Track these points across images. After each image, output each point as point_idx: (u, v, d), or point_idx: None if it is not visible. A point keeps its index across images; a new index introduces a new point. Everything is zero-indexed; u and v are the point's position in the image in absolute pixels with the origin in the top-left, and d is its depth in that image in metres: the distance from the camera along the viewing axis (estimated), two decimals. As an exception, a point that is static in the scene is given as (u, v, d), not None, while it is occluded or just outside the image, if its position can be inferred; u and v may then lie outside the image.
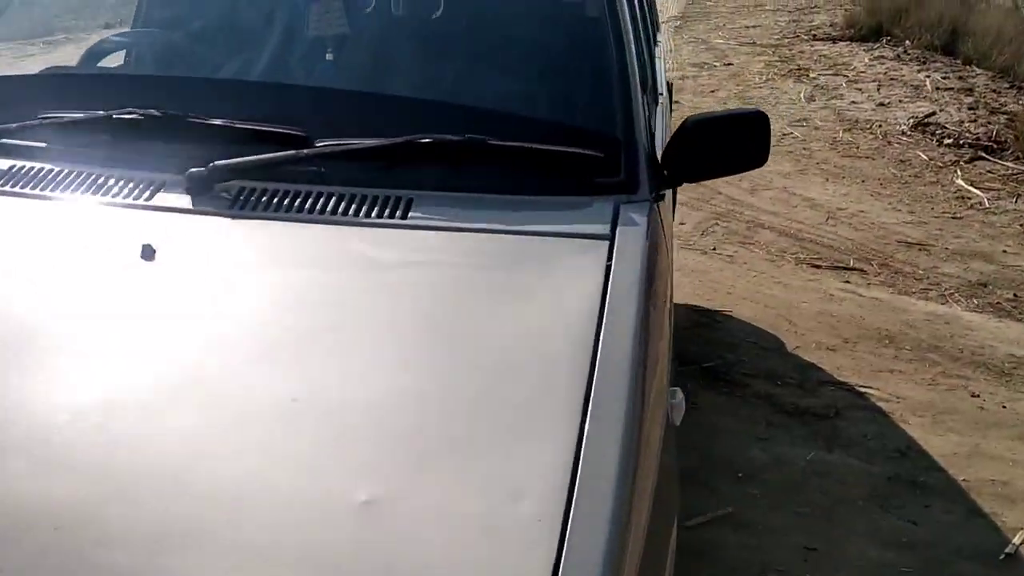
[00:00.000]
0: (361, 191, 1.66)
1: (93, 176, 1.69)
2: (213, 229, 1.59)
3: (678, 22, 12.51)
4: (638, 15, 2.06)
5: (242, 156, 1.67)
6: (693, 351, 3.79)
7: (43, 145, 1.76)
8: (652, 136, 1.87)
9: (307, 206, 1.63)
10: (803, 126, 7.22)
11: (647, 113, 1.89)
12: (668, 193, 2.04)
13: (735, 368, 3.68)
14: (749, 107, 1.99)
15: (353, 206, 1.63)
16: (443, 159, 1.71)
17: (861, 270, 4.67)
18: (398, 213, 1.62)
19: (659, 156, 1.89)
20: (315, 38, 2.14)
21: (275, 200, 1.64)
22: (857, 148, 6.67)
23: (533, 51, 2.04)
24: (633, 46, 1.94)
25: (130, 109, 1.74)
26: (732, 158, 1.93)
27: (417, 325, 1.40)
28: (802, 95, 8.15)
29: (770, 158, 1.97)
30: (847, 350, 3.86)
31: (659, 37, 3.82)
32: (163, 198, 1.65)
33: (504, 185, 1.70)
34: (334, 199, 1.64)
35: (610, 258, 1.56)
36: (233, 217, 1.61)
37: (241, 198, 1.64)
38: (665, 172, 1.88)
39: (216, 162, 1.65)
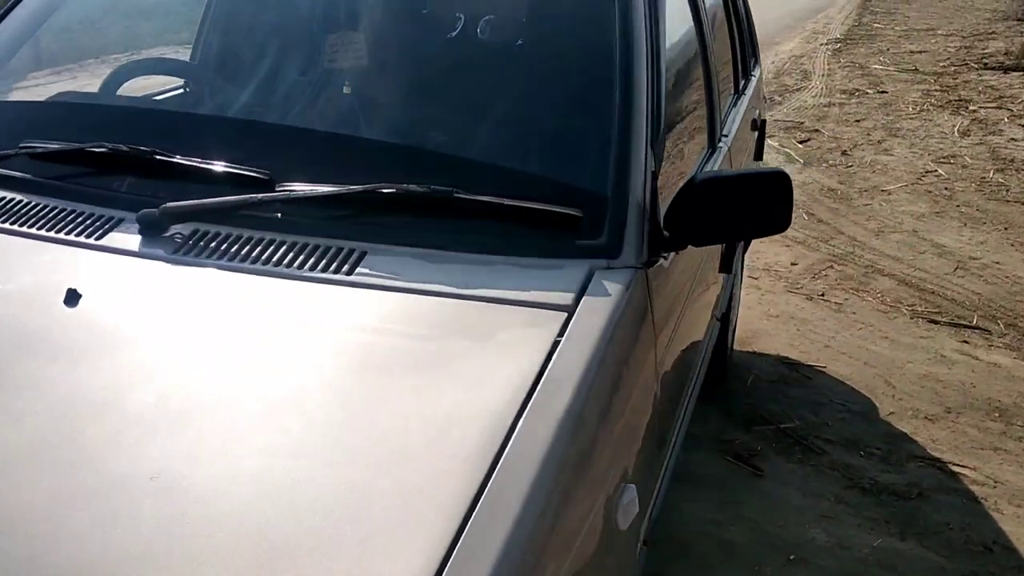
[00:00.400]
0: (314, 241, 1.55)
1: (56, 210, 1.65)
2: (148, 275, 1.51)
3: (837, 45, 11.99)
4: (662, 53, 1.86)
5: (207, 196, 1.60)
6: (772, 409, 3.51)
7: (18, 175, 1.73)
8: (655, 193, 1.68)
9: (254, 254, 1.53)
10: (950, 163, 6.71)
11: (651, 166, 1.69)
12: (683, 255, 1.85)
13: (815, 432, 3.39)
14: (769, 166, 1.77)
15: (300, 257, 1.52)
16: (406, 211, 1.59)
17: (984, 330, 4.25)
18: (344, 268, 1.50)
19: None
20: (328, 71, 2.05)
21: (224, 246, 1.55)
22: (1007, 191, 6.14)
23: (520, 94, 1.88)
24: (644, 88, 1.75)
25: (99, 143, 1.69)
26: (747, 221, 1.73)
27: (321, 398, 1.28)
28: (956, 129, 7.60)
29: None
30: (948, 421, 3.50)
31: (754, 71, 3.56)
32: (113, 237, 1.59)
33: (468, 243, 1.56)
34: (283, 248, 1.54)
35: (562, 333, 1.39)
36: (173, 263, 1.52)
37: (191, 242, 1.56)
38: (667, 234, 1.69)
39: (168, 204, 1.57)
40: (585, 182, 1.68)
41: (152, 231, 1.57)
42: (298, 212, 1.59)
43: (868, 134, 7.60)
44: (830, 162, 6.84)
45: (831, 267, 4.94)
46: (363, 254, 1.53)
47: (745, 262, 4.86)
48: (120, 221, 1.61)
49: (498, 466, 1.15)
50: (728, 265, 2.63)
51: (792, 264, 4.98)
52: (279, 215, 1.59)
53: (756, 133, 3.33)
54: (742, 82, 3.29)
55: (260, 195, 1.58)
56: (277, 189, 1.61)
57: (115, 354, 1.34)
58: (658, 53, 1.84)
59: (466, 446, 1.18)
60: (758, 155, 3.47)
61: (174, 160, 1.65)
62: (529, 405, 1.25)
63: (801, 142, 7.38)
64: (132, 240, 1.57)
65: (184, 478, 1.13)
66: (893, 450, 3.30)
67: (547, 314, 1.43)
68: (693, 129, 2.33)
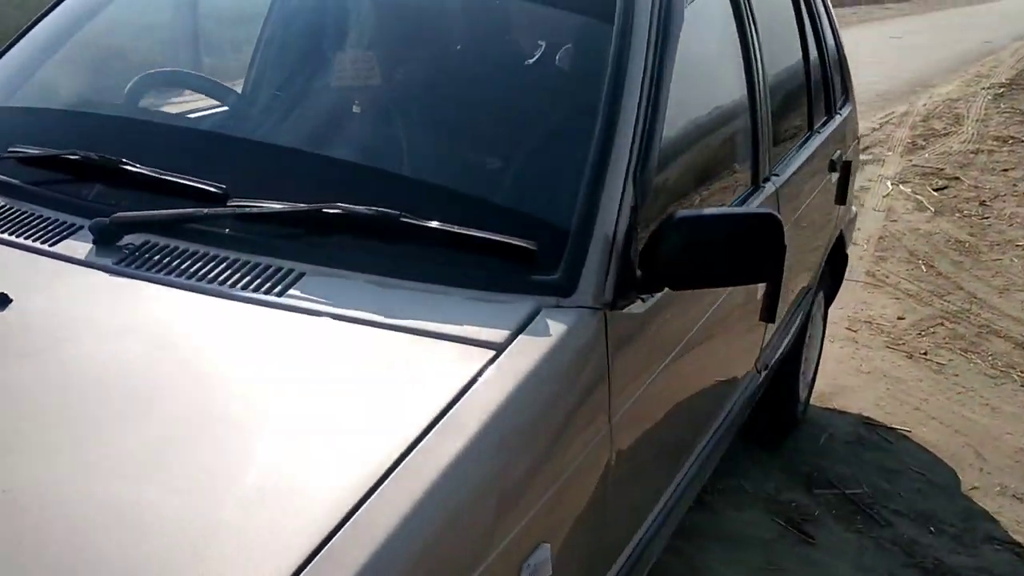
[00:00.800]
0: (255, 259, 1.50)
1: (25, 214, 1.66)
2: (84, 285, 1.49)
3: (1000, 89, 11.32)
4: (665, 84, 1.72)
5: (164, 207, 1.58)
6: (840, 472, 3.26)
7: (3, 179, 1.76)
8: (632, 229, 1.56)
9: (191, 269, 1.49)
10: (1101, 222, 6.17)
11: (630, 200, 1.56)
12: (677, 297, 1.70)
13: (883, 501, 3.12)
14: (759, 208, 1.61)
15: (236, 275, 1.48)
16: (352, 233, 1.52)
17: (1104, 406, 3.85)
18: (276, 289, 1.44)
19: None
20: (338, 89, 2.01)
21: (166, 260, 1.52)
22: None
23: (489, 119, 1.78)
24: (632, 119, 1.62)
25: (72, 151, 1.70)
26: (731, 267, 1.58)
27: (198, 422, 1.22)
28: (1116, 185, 7.01)
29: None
30: (1040, 503, 3.16)
31: (841, 108, 3.34)
32: (67, 245, 1.58)
33: (411, 271, 1.48)
34: (222, 265, 1.50)
35: (482, 372, 1.29)
36: (111, 274, 1.50)
37: (136, 254, 1.54)
38: (639, 274, 1.56)
39: (117, 214, 1.56)
40: (546, 213, 1.57)
41: (104, 240, 1.55)
42: (245, 229, 1.55)
43: (1014, 185, 7.10)
44: (964, 212, 6.41)
45: (941, 324, 4.59)
46: (300, 275, 1.47)
47: (842, 314, 4.60)
48: (79, 229, 1.61)
49: (341, 528, 1.06)
50: (770, 314, 2.44)
51: (899, 318, 4.66)
52: (227, 231, 1.55)
53: (835, 175, 3.11)
54: (823, 119, 3.09)
55: (205, 209, 1.55)
56: (228, 204, 1.57)
57: (8, 362, 1.32)
58: (658, 84, 1.70)
59: (338, 483, 1.11)
60: (840, 199, 3.24)
61: (137, 170, 1.64)
62: (412, 452, 1.16)
63: (937, 189, 6.96)
64: (83, 248, 1.56)
65: (28, 496, 1.09)
66: (968, 529, 3.00)
67: (473, 351, 1.34)
68: (723, 165, 2.18)
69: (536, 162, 1.66)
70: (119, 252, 1.54)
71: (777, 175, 2.44)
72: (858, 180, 7.38)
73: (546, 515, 1.32)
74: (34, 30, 2.08)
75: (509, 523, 1.24)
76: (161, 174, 1.63)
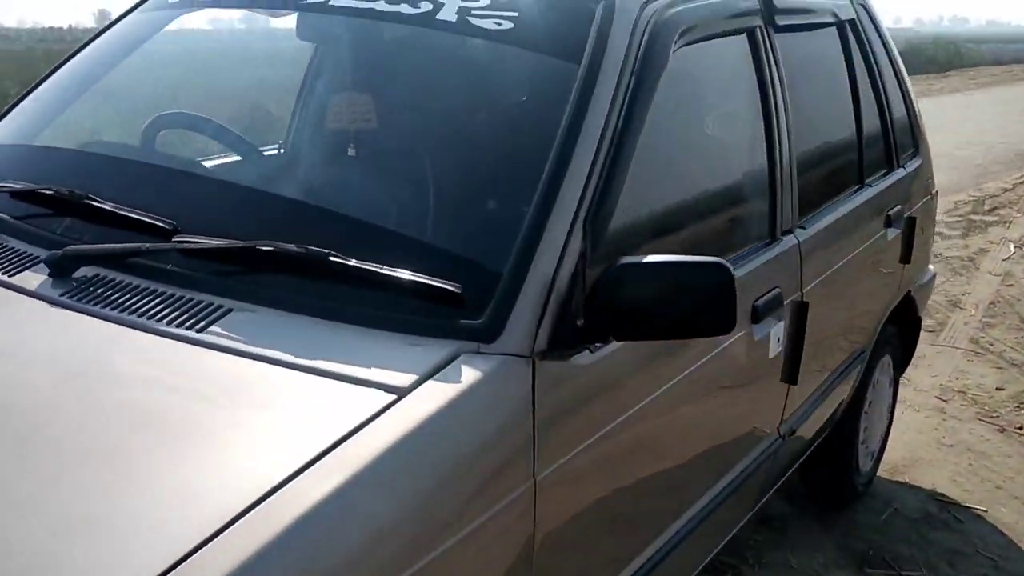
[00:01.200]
0: (190, 294, 1.51)
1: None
2: (23, 314, 1.53)
3: None
4: (633, 130, 1.65)
5: (118, 241, 1.61)
6: (898, 552, 3.02)
7: None
8: (576, 277, 1.48)
9: (127, 303, 1.50)
10: None
11: (577, 246, 1.50)
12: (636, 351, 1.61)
13: (941, 586, 2.87)
14: (708, 257, 1.51)
15: (167, 310, 1.48)
16: (282, 271, 1.51)
17: None
18: (199, 325, 1.44)
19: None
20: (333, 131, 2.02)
21: (107, 293, 1.53)
22: None
23: (433, 161, 1.73)
24: (587, 163, 1.56)
25: (47, 185, 1.75)
26: (677, 318, 1.48)
27: (66, 461, 1.21)
28: None
29: None
30: (1126, 600, 2.85)
31: (906, 163, 3.14)
32: (24, 276, 1.62)
33: (336, 311, 1.45)
34: (157, 300, 1.50)
35: (375, 417, 1.25)
36: (53, 304, 1.52)
37: (84, 286, 1.56)
38: (580, 323, 1.48)
39: (69, 247, 1.59)
40: (478, 256, 1.52)
41: (58, 273, 1.58)
42: (184, 264, 1.56)
43: None
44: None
45: (1046, 396, 4.25)
46: (228, 312, 1.46)
47: (934, 381, 4.32)
48: (39, 261, 1.65)
49: (190, 559, 1.03)
50: (792, 376, 2.31)
51: (997, 389, 4.34)
52: (169, 266, 1.56)
53: (895, 231, 2.92)
54: (880, 172, 2.92)
55: (147, 244, 1.57)
56: (173, 240, 1.58)
57: None
58: (627, 130, 1.64)
59: (185, 522, 1.08)
60: (904, 257, 3.05)
61: (99, 205, 1.67)
62: (286, 486, 1.13)
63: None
64: (37, 279, 1.59)
65: None
66: (1034, 623, 2.73)
67: (373, 394, 1.29)
68: (729, 217, 2.07)
69: (476, 205, 1.62)
70: (70, 284, 1.57)
71: (803, 228, 2.31)
72: (978, 242, 7.03)
73: (438, 566, 1.25)
74: (48, 81, 2.17)
75: (383, 570, 1.18)
76: (119, 209, 1.66)
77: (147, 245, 1.57)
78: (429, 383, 1.32)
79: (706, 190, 2.01)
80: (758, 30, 2.21)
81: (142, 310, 1.48)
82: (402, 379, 1.31)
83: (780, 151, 2.22)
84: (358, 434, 1.22)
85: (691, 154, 1.99)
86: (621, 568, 1.74)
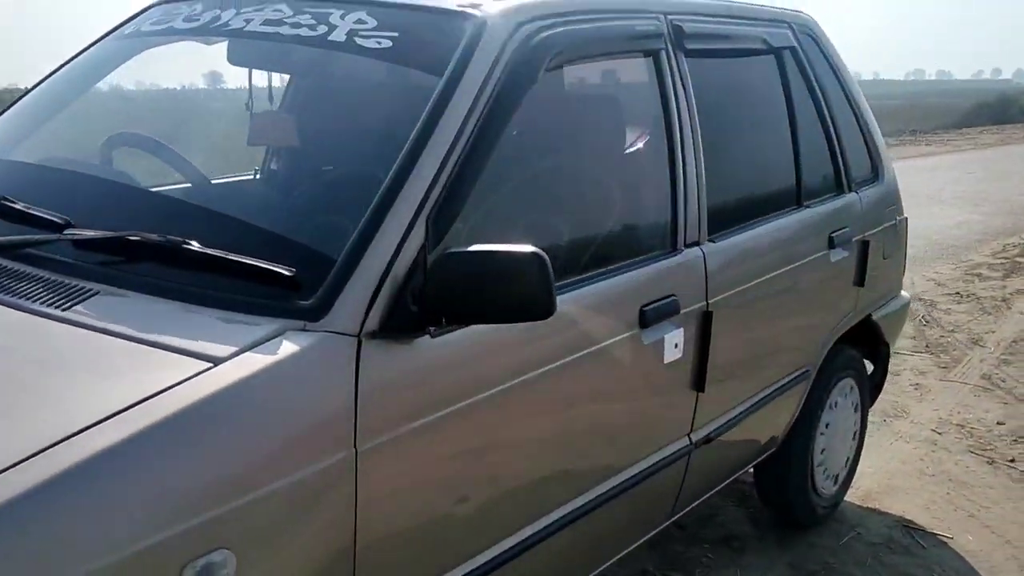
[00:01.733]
0: (69, 279, 1.68)
1: None
2: None
3: None
4: (496, 136, 1.79)
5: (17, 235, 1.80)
6: (852, 574, 3.02)
7: None
8: (416, 266, 1.62)
9: (17, 287, 1.68)
10: None
11: (420, 239, 1.63)
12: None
13: (887, 607, 2.87)
14: (524, 246, 1.63)
15: (46, 292, 1.65)
16: (147, 258, 1.69)
17: None
18: (65, 305, 1.61)
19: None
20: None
21: (2, 279, 1.72)
22: None
23: (297, 156, 1.89)
24: (437, 162, 1.70)
25: None
26: (502, 304, 1.61)
27: None
28: None
29: None
30: (1078, 627, 2.80)
31: (860, 188, 3.18)
32: None
33: (187, 293, 1.61)
34: (40, 284, 1.68)
35: (187, 380, 1.40)
36: None
37: None
38: (414, 309, 1.61)
39: None
40: (318, 244, 1.67)
41: None
42: (71, 254, 1.74)
43: None
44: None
45: (1047, 431, 4.18)
46: (95, 294, 1.64)
47: (933, 415, 4.29)
48: None
49: None
50: (699, 383, 2.38)
51: (998, 423, 4.28)
52: (57, 256, 1.75)
53: (845, 254, 2.97)
54: (828, 195, 2.98)
55: (36, 236, 1.76)
56: (64, 234, 1.76)
57: None
58: (484, 136, 1.77)
59: None
60: (858, 280, 3.09)
61: (11, 205, 1.87)
62: (78, 435, 1.28)
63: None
64: None
65: None
66: (976, 646, 2.71)
67: (191, 362, 1.44)
68: (617, 228, 2.18)
69: (325, 201, 1.77)
70: None
71: (713, 242, 2.40)
72: (1018, 283, 6.90)
73: (232, 523, 1.37)
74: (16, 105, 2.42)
75: (169, 518, 1.31)
76: (27, 208, 1.85)
77: (36, 237, 1.76)
78: (248, 354, 1.47)
79: (589, 199, 2.12)
80: (663, 53, 2.32)
81: (22, 292, 1.66)
82: (222, 350, 1.46)
83: (684, 168, 2.32)
84: (166, 393, 1.37)
85: (572, 166, 2.11)
86: (460, 561, 1.81)
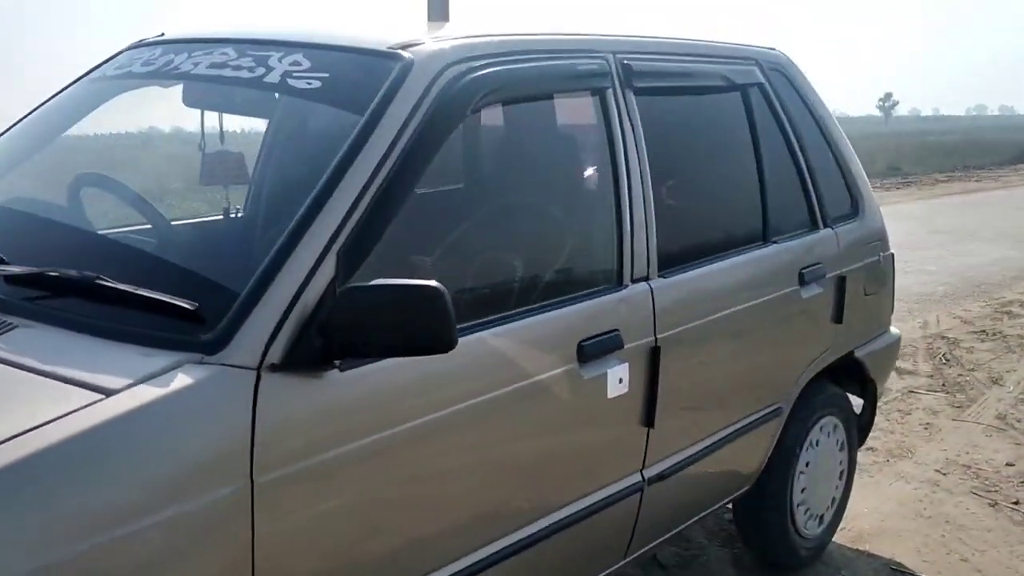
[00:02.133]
0: None
1: None
2: None
3: None
4: (411, 173, 1.82)
5: None
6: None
7: None
8: (323, 301, 1.65)
9: None
10: None
11: (329, 273, 1.66)
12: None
13: (863, 651, 2.79)
14: (424, 281, 1.64)
15: None
16: (64, 293, 1.75)
17: None
18: None
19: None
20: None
21: None
22: None
23: (223, 195, 1.94)
24: (349, 198, 1.73)
25: None
26: (404, 337, 1.63)
27: None
28: None
29: None
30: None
31: (836, 223, 3.13)
32: None
33: (97, 326, 1.66)
34: None
35: (76, 411, 1.43)
36: None
37: None
38: (318, 343, 1.64)
39: None
40: (222, 277, 1.72)
41: None
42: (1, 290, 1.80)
43: None
44: None
45: (1057, 473, 4.06)
46: (11, 328, 1.69)
47: (940, 455, 4.20)
48: None
49: None
50: (649, 419, 2.37)
51: (1007, 464, 4.17)
52: None
53: (819, 290, 2.94)
54: (798, 231, 2.95)
55: None
56: None
57: None
58: (403, 174, 1.81)
59: None
60: (836, 317, 3.05)
61: None
62: None
63: None
64: None
65: None
66: None
67: (82, 393, 1.47)
68: (544, 260, 2.19)
69: (235, 236, 1.82)
70: None
71: (664, 277, 2.39)
72: (1048, 321, 6.72)
73: (117, 553, 1.40)
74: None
75: (48, 548, 1.34)
76: None
77: None
78: (141, 386, 1.50)
79: (524, 235, 2.14)
80: (610, 92, 2.34)
81: None
82: (116, 382, 1.50)
83: (632, 205, 2.32)
84: (51, 424, 1.40)
85: (506, 202, 2.13)
86: None
